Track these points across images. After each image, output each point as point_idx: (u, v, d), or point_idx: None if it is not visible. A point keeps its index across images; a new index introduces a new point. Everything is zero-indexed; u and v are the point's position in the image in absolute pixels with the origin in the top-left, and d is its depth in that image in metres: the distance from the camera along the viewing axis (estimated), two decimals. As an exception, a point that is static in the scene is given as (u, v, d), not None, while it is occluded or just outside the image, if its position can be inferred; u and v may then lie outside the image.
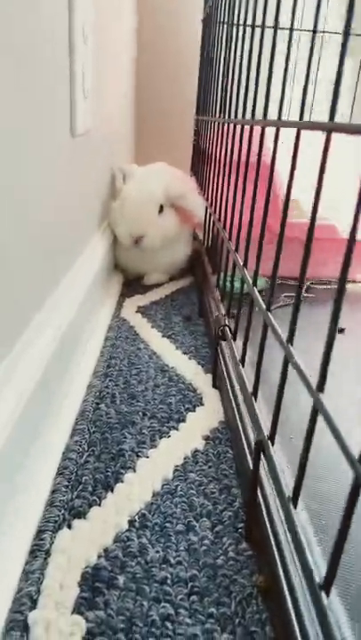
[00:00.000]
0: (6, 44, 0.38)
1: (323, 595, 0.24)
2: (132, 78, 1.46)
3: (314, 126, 0.30)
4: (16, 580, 0.34)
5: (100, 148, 0.87)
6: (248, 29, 0.59)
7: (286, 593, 0.30)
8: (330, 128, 0.26)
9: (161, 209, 0.93)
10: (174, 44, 1.60)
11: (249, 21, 0.57)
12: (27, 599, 0.32)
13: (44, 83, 0.49)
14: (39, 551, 0.36)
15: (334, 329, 0.25)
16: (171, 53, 1.61)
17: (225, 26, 0.80)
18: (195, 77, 1.30)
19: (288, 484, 0.42)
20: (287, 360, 0.32)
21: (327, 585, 0.24)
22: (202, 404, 0.58)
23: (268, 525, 0.35)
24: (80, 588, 0.34)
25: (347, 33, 0.27)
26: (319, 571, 0.32)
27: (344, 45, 0.27)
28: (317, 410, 0.26)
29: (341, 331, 0.78)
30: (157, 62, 1.62)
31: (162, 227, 0.93)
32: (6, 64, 0.38)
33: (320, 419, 0.26)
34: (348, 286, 0.98)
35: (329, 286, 1.01)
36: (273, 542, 0.34)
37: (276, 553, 0.33)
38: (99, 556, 0.37)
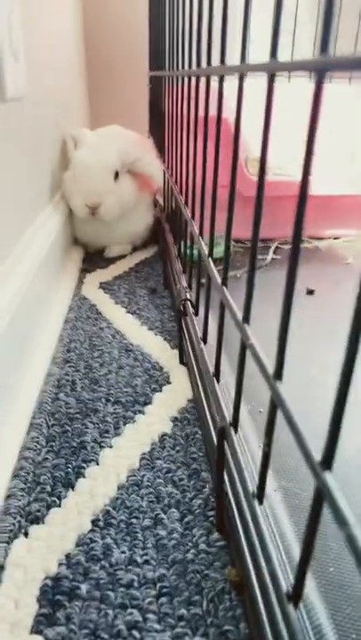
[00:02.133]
0: None
1: (290, 607, 0.21)
2: (79, 37, 1.36)
3: (255, 68, 0.25)
4: (-34, 602, 0.31)
5: (44, 114, 0.80)
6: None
7: (257, 591, 0.28)
8: (272, 69, 0.22)
9: (116, 175, 0.87)
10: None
11: None
12: (-22, 624, 0.29)
13: None
14: (-8, 567, 0.33)
15: (288, 309, 0.22)
16: (120, 8, 1.50)
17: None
18: (147, 30, 1.21)
19: (258, 468, 0.40)
20: (244, 341, 0.29)
21: (296, 597, 0.21)
22: (169, 383, 0.55)
23: (236, 517, 0.33)
24: (39, 603, 0.31)
25: None
26: (294, 568, 0.30)
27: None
28: (276, 404, 0.22)
29: (311, 292, 0.75)
30: (106, 17, 1.51)
31: (119, 194, 0.87)
32: None
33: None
34: (316, 244, 0.94)
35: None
36: (242, 534, 0.31)
37: (245, 546, 0.31)
38: (59, 564, 0.34)
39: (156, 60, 1.03)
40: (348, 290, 0.84)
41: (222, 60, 0.34)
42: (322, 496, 0.17)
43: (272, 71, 0.22)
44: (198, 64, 0.45)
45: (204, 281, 0.51)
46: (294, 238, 0.21)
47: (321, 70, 0.17)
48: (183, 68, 0.56)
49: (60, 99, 0.97)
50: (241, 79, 0.28)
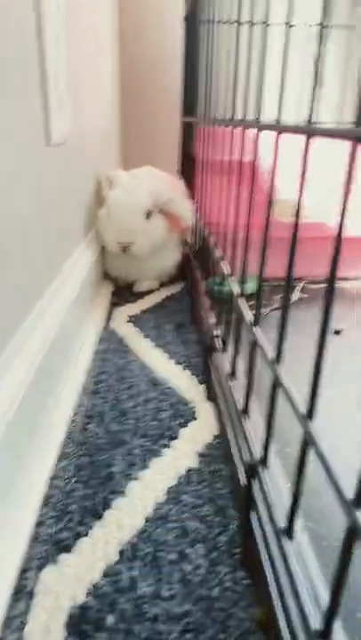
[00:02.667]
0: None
1: (321, 646, 0.22)
2: (115, 83, 1.44)
3: (292, 130, 0.27)
4: (-3, 626, 0.31)
5: (83, 156, 0.85)
6: (234, 26, 0.56)
7: (285, 631, 0.28)
8: (309, 132, 0.24)
9: (148, 215, 0.91)
10: (157, 45, 1.58)
11: (233, 18, 0.55)
12: (8, 649, 0.30)
13: (12, 92, 0.47)
14: (22, 592, 0.34)
15: (321, 358, 0.23)
16: (154, 54, 1.59)
17: (207, 24, 0.78)
18: (180, 76, 1.27)
19: (286, 505, 0.40)
20: (275, 381, 0.30)
21: (325, 636, 0.22)
22: (195, 419, 0.56)
23: (264, 554, 0.33)
24: (66, 631, 0.32)
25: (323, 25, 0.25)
26: (322, 610, 0.30)
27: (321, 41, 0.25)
28: (308, 442, 0.23)
29: (338, 332, 0.76)
30: (141, 64, 1.60)
31: (150, 233, 0.91)
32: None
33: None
34: (345, 285, 0.96)
35: (324, 285, 0.99)
36: (270, 574, 0.32)
37: (273, 586, 0.31)
38: (87, 594, 0.35)
39: (189, 107, 1.08)
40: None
41: (258, 118, 0.36)
42: (354, 535, 0.18)
43: (309, 135, 0.24)
44: (232, 117, 0.48)
45: (230, 319, 0.53)
46: (329, 281, 0.22)
47: (357, 140, 0.18)
48: (218, 117, 0.59)
49: (97, 141, 1.03)
50: (277, 138, 0.30)
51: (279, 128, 0.29)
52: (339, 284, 0.98)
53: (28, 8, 0.52)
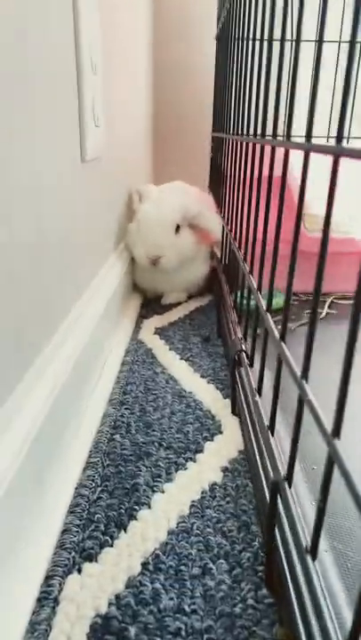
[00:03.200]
0: (18, 74, 0.38)
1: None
2: (148, 98, 1.47)
3: (321, 149, 0.28)
4: (22, 631, 0.32)
5: (114, 171, 0.87)
6: (263, 44, 0.57)
7: (308, 652, 0.28)
8: (337, 152, 0.24)
9: (177, 229, 0.92)
10: (190, 62, 1.61)
11: (262, 35, 0.56)
12: (32, 655, 0.31)
13: (53, 114, 0.48)
14: (47, 599, 0.34)
15: (349, 366, 0.23)
16: (187, 71, 1.62)
17: (238, 41, 0.79)
18: (211, 94, 1.29)
19: (310, 524, 0.39)
20: (302, 397, 0.30)
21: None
22: (220, 433, 0.56)
23: (287, 573, 0.33)
24: (89, 640, 0.32)
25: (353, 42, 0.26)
26: (344, 634, 0.29)
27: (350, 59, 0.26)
28: (333, 460, 0.23)
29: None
30: (174, 80, 1.63)
31: (179, 247, 0.92)
32: (18, 96, 0.38)
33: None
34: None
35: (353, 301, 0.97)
36: (293, 593, 0.31)
37: (296, 605, 0.30)
38: (109, 604, 0.35)
39: (219, 122, 1.10)
40: None
41: (288, 136, 0.37)
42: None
43: (337, 155, 0.25)
44: (263, 134, 0.49)
45: (258, 331, 0.53)
46: (357, 295, 0.22)
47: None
48: (247, 134, 0.60)
49: (129, 156, 1.05)
50: (306, 157, 0.30)
51: (307, 147, 0.29)
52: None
53: (68, 25, 0.54)
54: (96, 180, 0.71)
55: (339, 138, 0.25)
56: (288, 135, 0.37)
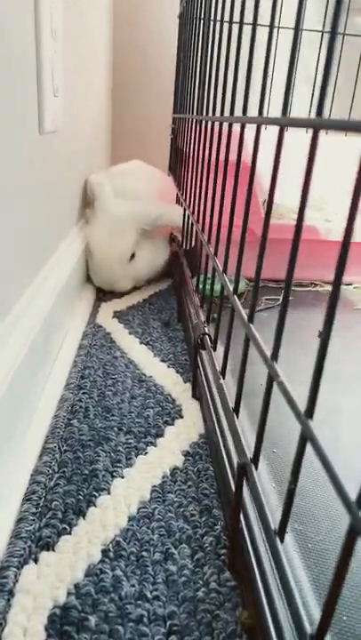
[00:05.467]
0: None
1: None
2: (107, 76, 1.42)
3: (299, 123, 0.27)
4: (-26, 626, 0.30)
5: (75, 146, 0.83)
6: (225, 25, 0.56)
7: (273, 634, 0.28)
8: (284, 124, 0.24)
9: (133, 256, 0.90)
10: (151, 41, 1.57)
11: (226, 17, 0.54)
12: (-15, 650, 0.29)
13: (7, 79, 0.45)
14: (1, 591, 0.33)
15: (325, 349, 0.22)
16: (147, 50, 1.58)
17: (201, 22, 0.77)
18: (172, 75, 1.27)
19: (272, 506, 0.39)
20: (272, 378, 0.29)
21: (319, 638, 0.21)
22: (181, 417, 0.55)
23: (252, 556, 0.32)
24: (47, 632, 0.31)
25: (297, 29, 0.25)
26: (309, 613, 0.29)
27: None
28: (306, 439, 0.23)
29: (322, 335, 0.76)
30: (133, 60, 1.59)
31: (134, 273, 0.92)
32: None
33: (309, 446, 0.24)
34: (328, 288, 0.96)
35: (308, 288, 0.99)
36: (258, 576, 0.31)
37: (261, 588, 0.30)
38: (68, 594, 0.34)
39: (181, 103, 1.07)
40: (358, 335, 0.85)
41: (260, 111, 0.36)
42: (356, 532, 0.17)
43: (317, 127, 0.24)
44: (232, 112, 0.48)
45: (215, 316, 0.52)
46: (335, 283, 0.22)
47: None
48: (211, 114, 0.58)
49: (88, 133, 1.01)
50: (281, 131, 0.30)
51: (284, 121, 0.28)
52: (325, 289, 0.99)
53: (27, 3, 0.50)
54: (55, 154, 0.68)
55: (319, 111, 0.24)
56: (260, 111, 0.36)
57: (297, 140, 0.48)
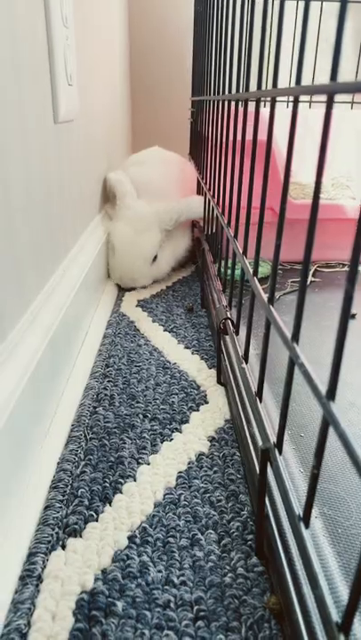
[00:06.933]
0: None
1: (341, 637, 0.20)
2: (125, 62, 1.41)
3: (314, 90, 0.26)
4: (4, 611, 0.31)
5: (92, 135, 0.83)
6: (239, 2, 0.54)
7: (300, 619, 0.27)
8: (331, 90, 0.22)
9: (155, 258, 0.89)
10: (168, 22, 1.54)
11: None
12: (16, 634, 0.29)
13: (18, 69, 0.45)
14: (30, 577, 0.33)
15: (345, 329, 0.21)
16: (165, 32, 1.55)
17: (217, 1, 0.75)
18: (190, 57, 1.24)
19: (299, 491, 0.39)
20: (293, 360, 0.28)
21: (346, 625, 0.20)
22: (206, 402, 0.55)
23: (278, 541, 0.32)
24: (75, 617, 0.31)
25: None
26: (338, 600, 0.28)
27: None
28: (328, 422, 0.22)
29: (353, 316, 0.74)
30: (151, 44, 1.57)
31: (154, 273, 0.91)
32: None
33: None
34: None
35: (336, 269, 0.96)
36: (284, 560, 0.31)
37: (287, 572, 0.30)
38: (96, 579, 0.34)
39: (199, 85, 1.05)
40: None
41: (275, 84, 0.34)
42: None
43: (332, 93, 0.22)
44: (247, 88, 0.46)
45: (243, 301, 0.51)
46: (352, 262, 0.21)
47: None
48: (229, 92, 0.57)
49: (106, 121, 1.01)
50: (296, 102, 0.28)
51: (297, 90, 0.27)
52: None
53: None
54: (71, 143, 0.67)
55: (333, 76, 0.23)
56: (275, 84, 0.34)
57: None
